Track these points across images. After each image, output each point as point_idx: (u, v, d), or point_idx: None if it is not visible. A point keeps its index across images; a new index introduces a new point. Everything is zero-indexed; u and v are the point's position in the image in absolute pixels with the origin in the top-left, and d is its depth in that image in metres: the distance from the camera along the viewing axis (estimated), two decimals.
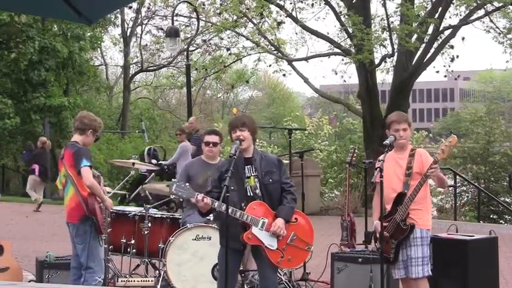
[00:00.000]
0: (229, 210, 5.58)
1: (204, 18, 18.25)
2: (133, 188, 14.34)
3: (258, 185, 5.83)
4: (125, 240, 7.68)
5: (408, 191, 6.11)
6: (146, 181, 12.59)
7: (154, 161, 15.06)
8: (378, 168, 5.98)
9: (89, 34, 25.49)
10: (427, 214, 6.26)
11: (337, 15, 17.75)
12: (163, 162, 14.28)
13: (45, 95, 23.26)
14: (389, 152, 6.21)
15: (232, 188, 5.64)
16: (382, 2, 17.03)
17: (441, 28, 16.67)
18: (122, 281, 7.60)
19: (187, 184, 5.92)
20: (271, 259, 5.77)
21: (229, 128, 5.92)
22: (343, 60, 17.79)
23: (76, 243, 6.63)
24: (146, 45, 27.30)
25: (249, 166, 5.86)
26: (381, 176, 5.97)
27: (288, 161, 9.01)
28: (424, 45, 16.81)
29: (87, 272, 6.54)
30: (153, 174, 13.70)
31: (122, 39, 32.63)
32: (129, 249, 7.68)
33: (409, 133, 6.33)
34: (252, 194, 5.82)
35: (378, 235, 6.23)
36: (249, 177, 5.84)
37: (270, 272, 5.86)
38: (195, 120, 14.77)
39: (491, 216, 20.37)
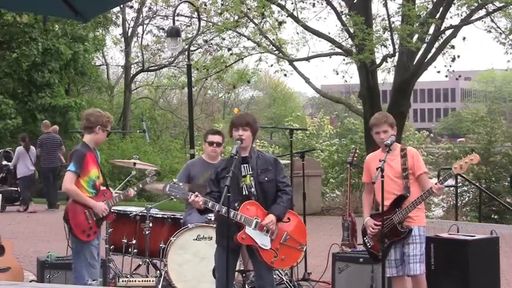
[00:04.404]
0: (223, 211, 5.59)
1: (205, 18, 18.20)
2: None
3: (253, 183, 5.84)
4: (126, 240, 7.69)
5: (410, 196, 6.16)
6: None
7: (4, 162, 17.69)
8: (379, 168, 6.02)
9: (91, 35, 25.51)
10: (422, 212, 6.38)
11: (339, 15, 17.72)
12: (10, 164, 17.15)
13: (50, 95, 23.28)
14: (389, 152, 6.24)
15: None
16: (384, 2, 17.00)
17: (442, 28, 16.64)
18: (123, 281, 7.61)
19: (181, 184, 5.91)
20: (265, 259, 5.79)
21: (232, 126, 5.91)
22: (344, 60, 17.75)
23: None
24: (147, 45, 27.22)
25: (245, 165, 5.87)
26: (382, 176, 6.01)
27: (289, 161, 9.01)
28: (425, 45, 16.79)
29: (75, 274, 6.53)
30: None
31: (123, 39, 32.63)
32: (130, 249, 7.69)
33: (390, 134, 6.27)
34: (247, 193, 5.83)
35: (368, 231, 6.36)
36: (245, 176, 5.85)
37: (266, 271, 5.89)
38: (44, 125, 17.08)
39: (492, 216, 20.36)
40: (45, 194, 17.29)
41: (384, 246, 6.18)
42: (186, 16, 20.57)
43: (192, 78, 15.86)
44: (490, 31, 17.47)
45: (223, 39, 18.59)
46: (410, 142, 24.32)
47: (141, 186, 6.93)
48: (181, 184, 5.91)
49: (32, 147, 16.83)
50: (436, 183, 6.15)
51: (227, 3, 17.33)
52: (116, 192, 6.82)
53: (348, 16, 17.14)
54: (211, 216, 6.88)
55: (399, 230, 6.18)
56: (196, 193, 5.73)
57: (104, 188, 6.63)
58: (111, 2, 6.10)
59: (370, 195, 6.48)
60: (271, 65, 18.31)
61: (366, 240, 6.47)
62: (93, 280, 6.43)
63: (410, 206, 6.15)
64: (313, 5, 17.98)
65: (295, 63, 18.11)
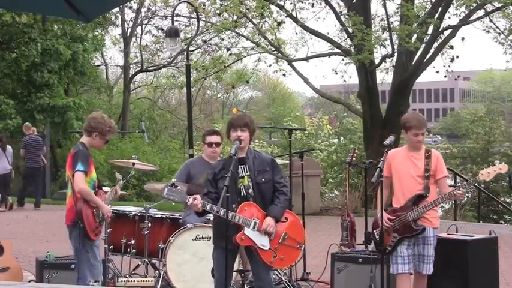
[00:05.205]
0: (222, 212, 5.60)
1: (204, 19, 18.21)
2: None
3: (251, 184, 5.85)
4: (125, 240, 7.68)
5: (429, 196, 6.27)
6: None
7: None
8: (378, 168, 6.05)
9: (90, 35, 25.50)
10: (437, 213, 6.54)
11: (337, 15, 17.74)
12: None
13: (49, 95, 23.29)
14: (391, 149, 6.36)
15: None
16: (382, 2, 17.02)
17: (441, 28, 16.66)
18: (122, 281, 7.61)
19: (179, 187, 5.91)
20: (264, 259, 5.81)
21: (230, 127, 5.92)
22: (343, 60, 17.77)
23: (71, 245, 6.62)
24: (146, 45, 27.26)
25: (242, 166, 5.88)
26: (381, 176, 6.06)
27: (288, 161, 9.01)
28: (424, 45, 16.80)
29: (78, 275, 6.54)
30: None
31: (122, 39, 32.63)
32: (129, 249, 7.68)
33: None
34: (245, 194, 5.84)
35: (379, 223, 6.34)
36: (242, 177, 5.86)
37: (264, 272, 5.90)
38: (25, 127, 17.44)
39: (491, 216, 20.37)
40: (34, 193, 17.40)
41: (382, 245, 6.23)
42: (185, 16, 20.62)
43: (191, 79, 15.85)
44: (488, 31, 17.50)
45: (222, 39, 18.61)
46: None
47: (114, 193, 6.91)
48: (179, 187, 5.90)
49: (9, 147, 16.96)
50: (459, 189, 6.24)
51: (226, 4, 17.34)
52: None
53: (346, 16, 17.17)
54: (211, 216, 6.88)
55: (413, 228, 6.28)
56: (195, 196, 5.73)
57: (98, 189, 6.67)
58: (113, 2, 6.12)
59: (386, 190, 6.51)
60: (270, 65, 18.36)
61: (376, 233, 6.52)
62: (95, 281, 6.44)
63: (428, 205, 6.25)
64: (312, 5, 18.02)
65: (294, 63, 18.12)
